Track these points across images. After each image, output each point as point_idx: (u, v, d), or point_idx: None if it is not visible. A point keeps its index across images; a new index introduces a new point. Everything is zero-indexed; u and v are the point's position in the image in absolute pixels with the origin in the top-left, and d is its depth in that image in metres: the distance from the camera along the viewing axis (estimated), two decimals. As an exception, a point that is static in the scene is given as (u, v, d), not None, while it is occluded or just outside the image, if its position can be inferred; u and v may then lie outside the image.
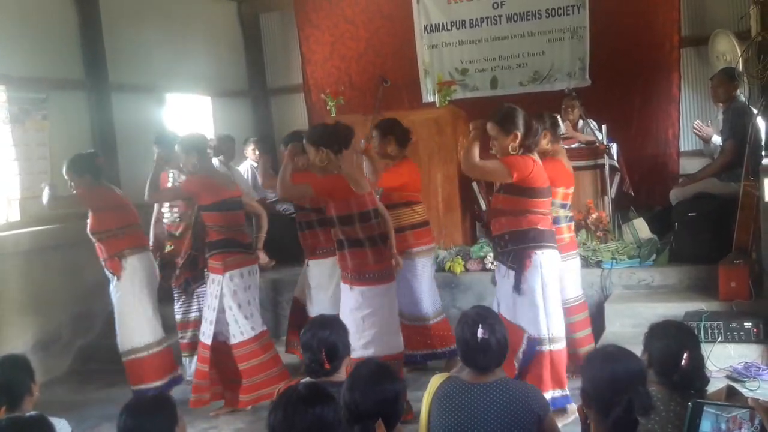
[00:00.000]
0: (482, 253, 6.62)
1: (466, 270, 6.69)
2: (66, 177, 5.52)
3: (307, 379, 3.35)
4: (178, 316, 6.02)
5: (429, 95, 8.91)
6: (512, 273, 4.54)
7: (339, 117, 7.54)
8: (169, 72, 8.50)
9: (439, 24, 8.94)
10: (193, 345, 5.77)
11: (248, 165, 8.41)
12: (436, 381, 3.28)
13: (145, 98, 8.19)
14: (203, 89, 9.29)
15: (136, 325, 5.56)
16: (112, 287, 5.56)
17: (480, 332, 3.17)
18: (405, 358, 5.18)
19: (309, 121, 9.47)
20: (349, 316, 4.64)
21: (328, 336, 3.42)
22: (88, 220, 5.49)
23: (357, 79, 9.29)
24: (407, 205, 5.64)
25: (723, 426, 2.21)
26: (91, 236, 5.47)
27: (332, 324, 3.56)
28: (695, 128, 6.96)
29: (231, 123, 9.25)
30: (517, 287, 4.52)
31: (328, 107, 7.74)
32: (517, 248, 4.53)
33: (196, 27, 9.14)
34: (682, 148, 8.28)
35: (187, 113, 9.05)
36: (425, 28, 9.00)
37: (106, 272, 5.53)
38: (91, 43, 7.41)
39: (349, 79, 9.32)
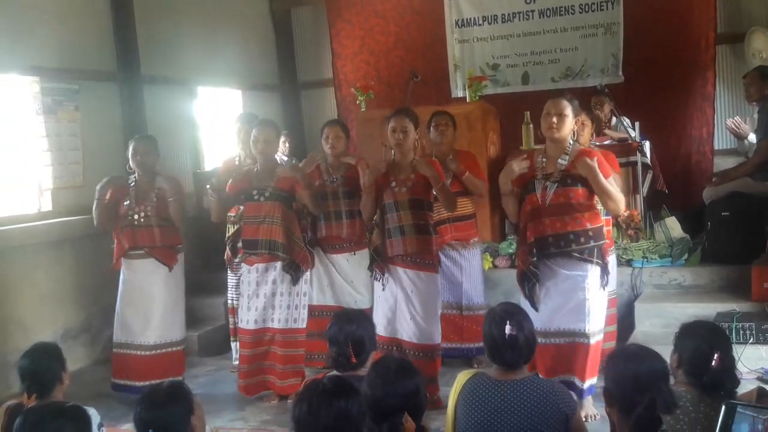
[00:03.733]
0: (510, 250, 6.60)
1: (494, 266, 6.68)
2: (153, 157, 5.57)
3: (333, 373, 3.36)
4: (236, 302, 6.06)
5: (458, 90, 8.88)
6: (583, 273, 4.41)
7: (369, 111, 7.60)
8: (200, 65, 8.55)
9: (470, 19, 8.91)
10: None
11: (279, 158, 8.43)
12: (463, 377, 3.28)
13: (176, 91, 8.25)
14: (234, 83, 9.34)
15: (179, 319, 5.65)
16: (148, 277, 5.55)
17: (508, 329, 3.16)
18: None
19: (338, 114, 9.49)
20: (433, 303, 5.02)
21: (355, 330, 3.44)
22: (154, 203, 5.50)
23: (386, 74, 9.29)
24: (472, 193, 5.82)
25: (760, 427, 2.19)
26: (153, 219, 5.49)
27: (359, 318, 3.57)
28: (734, 124, 6.85)
29: (261, 116, 9.27)
30: (604, 284, 4.48)
31: (357, 101, 7.75)
32: (599, 243, 4.44)
33: (228, 21, 9.19)
34: (716, 147, 8.19)
35: (218, 106, 9.11)
36: (456, 23, 8.96)
37: (149, 261, 5.54)
38: (124, 35, 7.47)
39: (377, 73, 9.32)
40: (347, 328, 3.44)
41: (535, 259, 4.43)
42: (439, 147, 5.80)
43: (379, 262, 5.09)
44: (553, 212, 4.41)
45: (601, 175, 4.29)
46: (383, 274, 5.09)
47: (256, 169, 5.37)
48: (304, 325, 5.43)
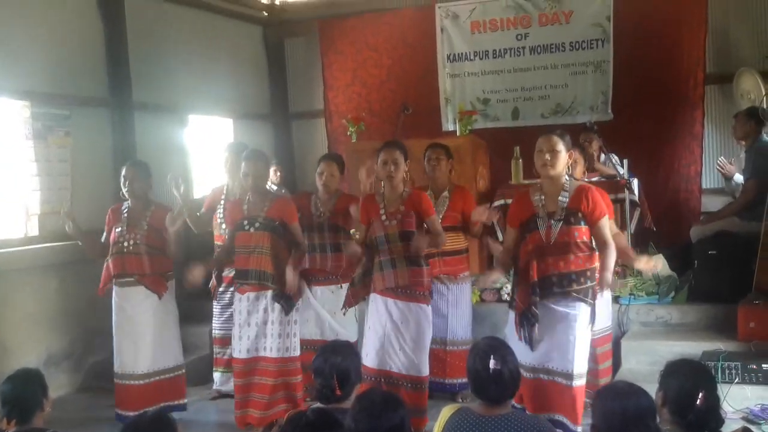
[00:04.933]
0: (498, 284, 6.60)
1: (482, 300, 6.68)
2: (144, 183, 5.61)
3: (317, 405, 3.35)
4: (219, 332, 6.04)
5: (449, 124, 8.94)
6: (575, 312, 4.39)
7: (359, 143, 7.64)
8: (192, 93, 8.59)
9: (462, 54, 9.00)
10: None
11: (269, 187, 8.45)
12: (447, 412, 3.27)
13: (167, 118, 8.28)
14: (225, 111, 9.38)
15: (173, 345, 5.67)
16: (138, 306, 5.57)
17: (492, 363, 3.16)
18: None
19: (328, 145, 9.53)
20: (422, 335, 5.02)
21: (340, 362, 3.43)
22: (145, 231, 5.54)
23: (377, 106, 9.35)
24: (464, 229, 5.82)
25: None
26: (142, 247, 5.52)
27: (345, 350, 3.57)
28: (719, 165, 6.94)
29: (252, 146, 9.28)
30: (592, 320, 4.47)
31: (348, 133, 7.79)
32: (593, 285, 4.42)
33: (221, 50, 9.25)
34: (704, 186, 8.23)
35: (209, 135, 9.13)
36: (448, 57, 9.05)
37: (139, 288, 5.55)
38: (116, 61, 7.51)
39: (369, 105, 9.37)
40: (333, 360, 3.44)
41: (537, 299, 4.41)
42: (434, 180, 5.82)
43: (355, 289, 5.13)
44: (557, 251, 4.39)
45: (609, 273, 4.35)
46: (353, 305, 5.19)
47: (247, 199, 5.38)
48: (298, 353, 5.39)
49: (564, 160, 4.45)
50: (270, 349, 5.31)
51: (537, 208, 4.48)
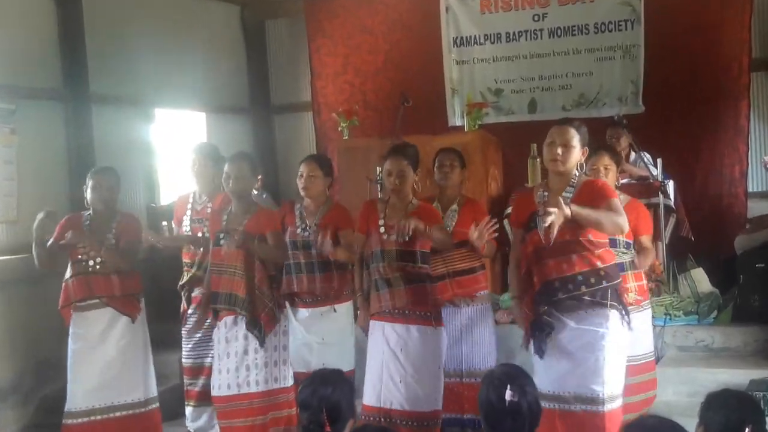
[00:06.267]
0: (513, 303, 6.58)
1: (495, 322, 6.67)
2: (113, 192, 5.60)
3: (303, 443, 3.35)
4: (187, 360, 6.04)
5: (457, 118, 8.96)
6: (598, 328, 4.34)
7: (352, 140, 7.64)
8: (159, 83, 8.60)
9: (470, 37, 9.02)
10: (204, 394, 5.77)
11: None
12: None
13: (130, 113, 8.28)
14: (197, 104, 9.39)
15: (145, 375, 5.65)
16: (104, 332, 5.52)
17: (508, 394, 3.15)
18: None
19: (317, 143, 9.55)
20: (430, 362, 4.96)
21: (330, 393, 3.42)
22: (113, 245, 5.49)
23: (373, 98, 9.37)
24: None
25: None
26: (114, 266, 5.50)
27: (335, 380, 3.56)
28: (766, 164, 6.94)
29: (228, 144, 9.23)
30: (629, 326, 4.44)
31: (339, 128, 7.80)
32: (614, 284, 4.41)
33: (192, 33, 9.26)
34: (750, 189, 8.27)
35: (178, 131, 9.14)
36: (454, 41, 9.08)
37: (104, 311, 5.53)
38: (70, 48, 7.50)
39: (364, 97, 9.39)
40: (321, 391, 3.42)
41: (545, 307, 4.40)
42: (444, 190, 5.76)
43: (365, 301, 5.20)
44: (558, 252, 4.37)
45: (585, 211, 4.23)
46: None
47: (230, 209, 5.37)
48: (290, 383, 5.36)
49: (577, 157, 4.46)
50: (256, 383, 5.27)
51: (539, 205, 4.49)
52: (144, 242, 5.56)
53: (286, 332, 5.43)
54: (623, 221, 4.31)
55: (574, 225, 4.33)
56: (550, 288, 4.41)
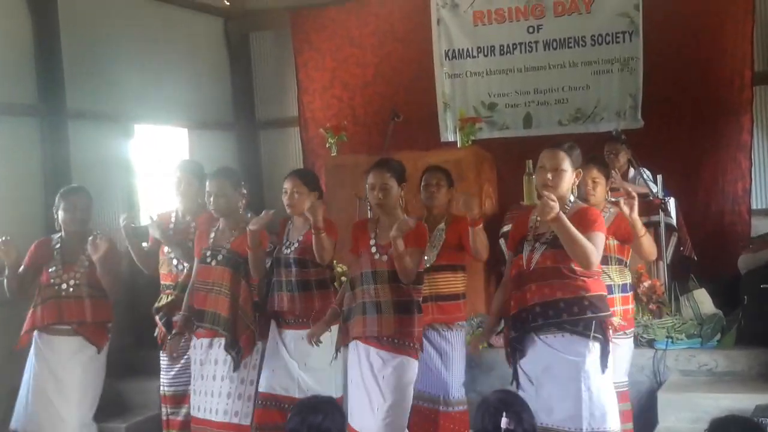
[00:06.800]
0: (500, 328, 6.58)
1: (489, 346, 6.66)
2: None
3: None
4: (169, 389, 6.00)
5: (449, 133, 8.98)
6: (579, 357, 4.33)
7: (340, 156, 7.64)
8: (139, 98, 8.59)
9: (463, 50, 9.05)
10: (187, 423, 5.72)
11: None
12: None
13: (108, 128, 8.26)
14: (179, 119, 9.39)
15: (94, 407, 5.63)
16: (67, 360, 5.52)
17: (504, 422, 3.16)
18: None
19: (304, 159, 9.56)
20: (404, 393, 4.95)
21: (321, 421, 3.41)
22: (86, 268, 5.52)
23: (362, 113, 9.39)
24: (464, 268, 5.78)
25: None
26: (83, 289, 5.50)
27: (326, 407, 3.55)
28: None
29: (211, 161, 9.19)
30: (604, 363, 4.39)
31: (327, 145, 7.81)
32: (599, 315, 4.39)
33: (173, 47, 9.27)
34: (753, 206, 8.28)
35: (159, 148, 9.13)
36: (446, 54, 9.11)
37: (72, 339, 5.52)
38: (47, 61, 7.50)
39: (352, 112, 9.41)
40: (311, 420, 3.42)
41: (515, 334, 4.46)
42: (431, 210, 5.76)
43: (346, 325, 5.12)
44: (540, 277, 4.41)
45: (566, 223, 4.23)
46: (347, 343, 5.14)
47: (218, 227, 5.38)
48: (249, 422, 5.33)
49: (569, 180, 4.51)
50: (216, 411, 5.28)
51: (529, 230, 4.53)
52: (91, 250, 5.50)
53: (256, 366, 5.42)
54: (594, 257, 4.31)
55: (557, 252, 4.36)
56: (531, 313, 4.43)
